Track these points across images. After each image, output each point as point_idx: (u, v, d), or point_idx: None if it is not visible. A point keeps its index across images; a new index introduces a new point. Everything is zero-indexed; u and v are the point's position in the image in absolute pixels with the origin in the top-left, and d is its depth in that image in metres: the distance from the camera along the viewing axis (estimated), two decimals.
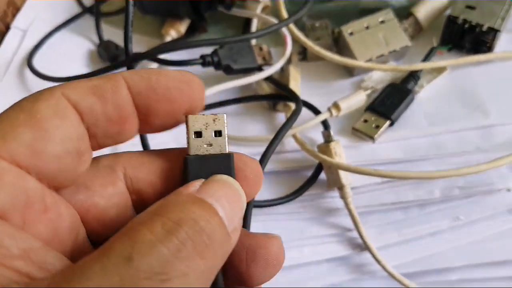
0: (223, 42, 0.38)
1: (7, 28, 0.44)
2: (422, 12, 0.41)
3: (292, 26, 0.39)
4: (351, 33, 0.40)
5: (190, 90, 0.18)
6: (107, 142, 0.17)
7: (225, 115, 0.18)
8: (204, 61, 0.38)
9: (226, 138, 0.18)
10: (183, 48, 0.35)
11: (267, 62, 0.41)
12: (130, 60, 0.34)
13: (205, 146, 0.18)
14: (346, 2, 0.43)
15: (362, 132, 0.36)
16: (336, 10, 0.43)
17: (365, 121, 0.36)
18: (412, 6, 0.41)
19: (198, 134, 0.18)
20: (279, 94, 0.39)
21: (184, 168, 0.18)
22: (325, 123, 0.36)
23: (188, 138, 0.18)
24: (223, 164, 0.18)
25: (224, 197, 0.16)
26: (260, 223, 0.34)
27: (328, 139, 0.34)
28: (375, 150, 0.36)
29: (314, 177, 0.35)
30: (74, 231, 0.17)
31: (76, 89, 0.16)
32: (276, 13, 0.42)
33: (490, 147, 0.34)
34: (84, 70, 0.43)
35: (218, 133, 0.18)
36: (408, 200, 0.34)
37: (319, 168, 0.35)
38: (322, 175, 0.35)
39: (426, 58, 0.39)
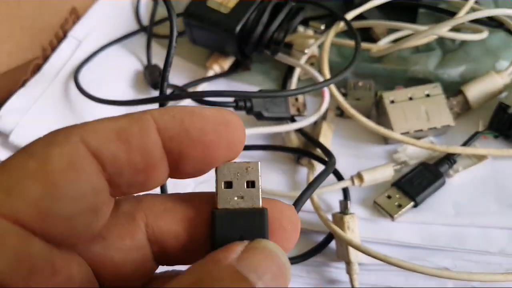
0: (257, 96, 0.37)
1: (65, 35, 0.46)
2: (474, 92, 0.39)
3: (332, 86, 0.38)
4: (392, 101, 0.38)
5: (229, 133, 0.15)
6: (131, 191, 0.15)
7: (259, 163, 0.16)
8: (236, 105, 0.38)
9: (260, 190, 0.16)
10: (217, 96, 0.35)
11: (301, 114, 0.40)
12: (160, 98, 0.34)
13: (235, 198, 0.16)
14: (396, 66, 0.42)
15: (382, 208, 0.34)
16: (384, 72, 0.42)
17: (389, 197, 0.35)
18: (464, 83, 0.39)
19: (229, 185, 0.16)
20: (307, 151, 0.38)
21: (211, 222, 0.16)
22: (345, 192, 0.35)
23: (217, 188, 0.16)
24: (255, 221, 0.16)
25: (268, 273, 0.14)
26: None
27: (344, 210, 0.33)
28: (393, 229, 0.34)
29: (324, 244, 0.34)
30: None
31: (98, 133, 0.14)
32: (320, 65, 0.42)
33: None
34: (127, 90, 0.44)
35: (251, 184, 0.16)
36: None
37: (330, 236, 0.34)
38: (333, 243, 0.34)
39: (468, 142, 0.37)
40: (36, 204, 0.13)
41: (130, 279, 0.16)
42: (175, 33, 0.32)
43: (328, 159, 0.34)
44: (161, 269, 0.18)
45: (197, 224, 0.16)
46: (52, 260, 0.14)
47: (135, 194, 0.16)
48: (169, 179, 0.16)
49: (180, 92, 0.42)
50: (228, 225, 0.16)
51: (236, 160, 0.16)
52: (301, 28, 0.46)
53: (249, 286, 0.13)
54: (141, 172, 0.15)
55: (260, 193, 0.16)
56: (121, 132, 0.14)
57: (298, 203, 0.29)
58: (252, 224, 0.16)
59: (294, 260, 0.33)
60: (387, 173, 0.35)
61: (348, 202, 0.33)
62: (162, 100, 0.34)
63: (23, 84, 0.41)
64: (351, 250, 0.32)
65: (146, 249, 0.16)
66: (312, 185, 0.29)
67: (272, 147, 0.39)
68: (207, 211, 0.16)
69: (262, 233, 0.16)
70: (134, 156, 0.14)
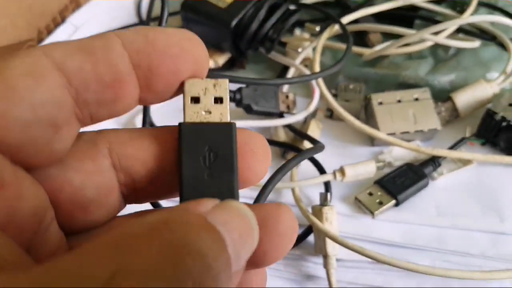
0: (250, 82, 0.38)
1: (63, 21, 0.47)
2: (462, 99, 0.39)
3: (321, 83, 0.39)
4: (380, 103, 0.38)
5: (193, 46, 0.15)
6: (101, 113, 0.15)
7: (227, 80, 0.16)
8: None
9: (228, 106, 0.16)
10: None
11: (290, 111, 0.40)
12: None
13: (203, 113, 0.16)
14: (387, 71, 0.42)
15: (363, 205, 0.34)
16: (376, 77, 0.42)
17: (370, 194, 0.34)
18: (453, 91, 0.40)
19: (196, 100, 0.16)
20: (294, 145, 0.38)
21: (178, 136, 0.16)
22: (327, 185, 0.35)
23: (184, 103, 0.16)
24: (223, 133, 0.16)
25: (237, 231, 0.13)
26: None
27: (323, 202, 0.33)
28: (373, 226, 0.33)
29: (303, 237, 0.33)
30: (39, 216, 0.14)
31: (61, 48, 0.14)
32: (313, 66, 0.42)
33: (496, 255, 0.31)
34: None
35: (219, 100, 0.16)
36: None
37: (309, 229, 0.33)
38: (311, 238, 0.34)
39: (454, 147, 0.37)
40: None
41: (92, 209, 0.15)
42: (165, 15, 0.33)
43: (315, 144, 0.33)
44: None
45: (165, 152, 0.16)
46: (1, 171, 0.13)
47: (97, 130, 0.16)
48: None
49: None
50: (195, 138, 0.15)
51: None
52: (297, 31, 0.46)
53: (217, 236, 0.12)
54: (109, 88, 0.14)
55: (228, 109, 0.16)
56: (85, 46, 0.14)
57: (280, 171, 0.28)
58: (220, 137, 0.16)
59: None
60: (370, 169, 0.35)
61: (328, 194, 0.33)
62: None
63: None
64: (329, 242, 0.31)
65: (111, 175, 0.15)
66: (296, 158, 0.28)
67: None
68: (174, 140, 0.16)
69: (230, 147, 0.16)
70: (100, 68, 0.14)
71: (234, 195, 0.16)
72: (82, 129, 0.15)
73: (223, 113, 0.16)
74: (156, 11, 0.51)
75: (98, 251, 0.10)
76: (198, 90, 0.16)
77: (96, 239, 0.11)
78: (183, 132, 0.16)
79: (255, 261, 0.15)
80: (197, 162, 0.16)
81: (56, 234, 0.15)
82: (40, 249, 0.14)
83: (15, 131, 0.13)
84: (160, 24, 0.32)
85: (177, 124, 0.16)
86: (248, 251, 0.14)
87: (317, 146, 0.32)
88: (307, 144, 0.37)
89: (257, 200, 0.28)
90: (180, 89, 0.16)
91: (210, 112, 0.16)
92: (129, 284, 0.10)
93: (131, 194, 0.16)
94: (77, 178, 0.15)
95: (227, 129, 0.16)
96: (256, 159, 0.16)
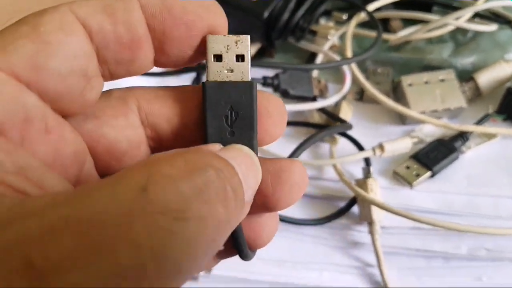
0: (287, 67, 0.41)
1: None
2: (484, 79, 0.42)
3: (354, 66, 0.42)
4: (410, 84, 0.41)
5: (210, 14, 0.16)
6: (119, 71, 0.16)
7: (248, 36, 0.17)
8: (264, 81, 0.41)
9: (249, 64, 0.16)
10: (254, 67, 0.38)
11: (323, 95, 0.43)
12: (201, 67, 0.37)
13: (225, 71, 0.16)
14: (412, 55, 0.45)
15: (402, 177, 0.37)
16: (401, 60, 0.45)
17: (407, 167, 0.37)
18: (475, 71, 0.43)
19: (218, 58, 0.16)
20: (328, 125, 0.41)
21: (202, 94, 0.16)
22: (367, 161, 0.38)
23: (207, 61, 0.16)
24: (244, 92, 0.16)
25: (243, 164, 0.15)
26: (286, 239, 0.36)
27: (367, 175, 0.36)
28: (412, 196, 0.37)
29: (347, 208, 0.36)
30: (80, 160, 0.16)
31: (85, 6, 0.15)
32: (342, 53, 0.45)
33: None
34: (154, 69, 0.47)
35: (241, 58, 0.16)
36: (434, 250, 0.34)
37: (353, 201, 0.36)
38: (355, 209, 0.37)
39: (479, 122, 0.40)
40: (30, 58, 0.14)
41: (125, 158, 0.17)
42: None
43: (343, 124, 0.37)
44: None
45: (189, 110, 0.17)
46: (45, 117, 0.14)
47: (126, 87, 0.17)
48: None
49: None
50: (218, 96, 0.16)
51: None
52: (322, 20, 0.49)
53: (228, 164, 0.14)
54: (127, 48, 0.15)
55: (249, 67, 0.16)
56: (107, 7, 0.15)
57: (306, 142, 0.32)
58: (241, 95, 0.16)
59: (319, 221, 0.36)
60: (406, 144, 0.38)
61: (370, 167, 0.36)
62: (197, 70, 0.37)
63: None
64: (374, 210, 0.34)
65: (140, 130, 0.17)
66: (322, 132, 0.34)
67: (296, 123, 0.42)
68: (198, 99, 0.17)
69: (251, 105, 0.16)
70: (119, 29, 0.15)
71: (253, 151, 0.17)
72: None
73: (244, 71, 0.16)
74: None
75: (132, 168, 0.12)
76: (221, 47, 0.16)
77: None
78: (207, 92, 0.16)
79: (270, 206, 0.17)
80: (220, 120, 0.17)
81: (95, 180, 0.16)
82: None
83: (54, 81, 0.14)
84: None
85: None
86: (254, 184, 0.15)
87: (345, 124, 0.35)
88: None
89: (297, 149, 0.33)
90: (194, 55, 0.16)
91: (232, 71, 0.16)
92: (161, 187, 0.11)
93: (157, 147, 0.18)
94: (112, 132, 0.16)
95: (248, 88, 0.16)
96: (271, 122, 0.17)
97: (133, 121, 0.17)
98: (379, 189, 0.35)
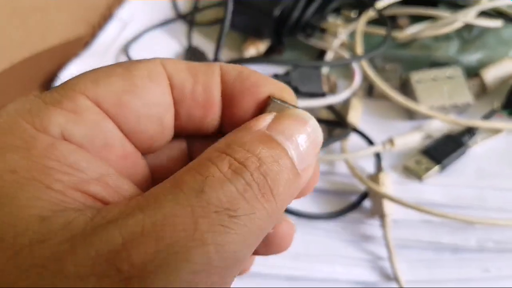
0: (299, 64, 0.41)
1: (111, 15, 0.50)
2: (490, 75, 0.43)
3: (365, 64, 0.42)
4: (418, 81, 0.42)
5: (280, 93, 0.18)
6: (189, 127, 0.18)
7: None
8: (276, 78, 0.41)
9: None
10: (266, 63, 0.40)
11: (332, 92, 0.44)
12: None
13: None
14: (420, 52, 0.46)
15: (412, 171, 0.38)
16: (409, 57, 0.46)
17: (417, 161, 0.38)
18: (481, 67, 0.44)
19: None
20: (336, 120, 0.42)
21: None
22: (377, 155, 0.39)
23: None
24: None
25: (296, 134, 0.15)
26: (299, 233, 0.36)
27: (378, 169, 0.37)
28: (421, 190, 0.38)
29: (359, 203, 0.37)
30: (148, 178, 0.18)
31: (174, 64, 0.17)
32: (351, 50, 0.46)
33: None
34: None
35: None
36: (444, 243, 0.35)
37: (364, 195, 0.37)
38: (366, 203, 0.38)
39: (486, 118, 0.41)
40: (117, 95, 0.15)
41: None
42: (230, 6, 0.36)
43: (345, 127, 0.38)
44: None
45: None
46: (124, 145, 0.16)
47: None
48: None
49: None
50: None
51: None
52: (331, 18, 0.50)
53: (275, 147, 0.15)
54: (200, 107, 0.17)
55: None
56: (192, 68, 0.17)
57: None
58: None
59: (331, 216, 0.37)
60: (415, 138, 0.39)
61: (382, 162, 0.37)
62: None
63: (76, 56, 0.44)
64: (386, 204, 0.35)
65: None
66: (330, 140, 0.35)
67: None
68: None
69: None
70: (197, 89, 0.17)
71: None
72: None
73: None
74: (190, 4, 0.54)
75: (188, 171, 0.14)
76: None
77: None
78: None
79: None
80: None
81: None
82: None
83: (132, 120, 0.16)
84: (221, 30, 0.36)
85: None
86: (313, 149, 0.16)
87: (345, 130, 0.36)
88: (350, 119, 0.41)
89: None
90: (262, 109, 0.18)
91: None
92: (213, 190, 0.13)
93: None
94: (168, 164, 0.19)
95: None
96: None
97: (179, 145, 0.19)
98: (391, 183, 0.36)
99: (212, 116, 0.18)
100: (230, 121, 0.18)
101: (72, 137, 0.15)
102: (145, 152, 0.17)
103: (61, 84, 0.16)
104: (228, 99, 0.17)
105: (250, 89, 0.17)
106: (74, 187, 0.14)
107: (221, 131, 0.18)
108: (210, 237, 0.13)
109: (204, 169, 0.14)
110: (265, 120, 0.16)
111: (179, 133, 0.18)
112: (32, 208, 0.13)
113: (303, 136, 0.16)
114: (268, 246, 0.19)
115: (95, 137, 0.15)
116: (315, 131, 0.16)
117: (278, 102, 0.17)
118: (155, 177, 0.18)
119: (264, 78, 0.18)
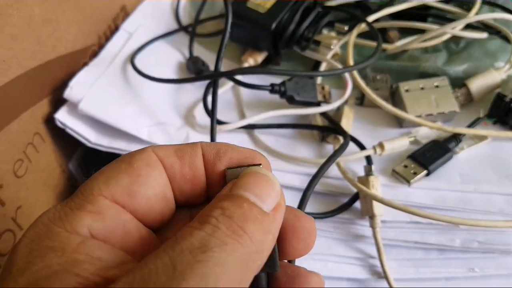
0: (294, 74, 0.44)
1: (116, 28, 0.52)
2: (475, 85, 0.45)
3: (355, 73, 0.45)
4: (407, 90, 0.45)
5: (251, 160, 0.21)
6: (181, 199, 0.21)
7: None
8: (272, 88, 0.44)
9: None
10: (261, 73, 0.42)
11: (326, 100, 0.46)
12: (216, 75, 0.40)
13: None
14: (408, 64, 0.48)
15: (400, 175, 0.40)
16: (398, 68, 0.48)
17: (405, 166, 0.40)
18: (467, 78, 0.46)
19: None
20: (331, 126, 0.44)
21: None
22: (368, 159, 0.41)
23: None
24: None
25: (253, 185, 0.19)
26: None
27: (368, 172, 0.39)
28: (409, 193, 0.40)
29: (349, 204, 0.39)
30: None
31: (163, 150, 0.21)
32: (344, 61, 0.48)
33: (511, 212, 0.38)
34: (174, 77, 0.50)
35: None
36: (430, 243, 0.37)
37: (355, 197, 0.39)
38: (357, 205, 0.40)
39: (471, 125, 0.43)
40: (126, 188, 0.19)
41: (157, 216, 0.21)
42: (229, 19, 0.39)
43: (344, 137, 0.40)
44: None
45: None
46: (140, 229, 0.20)
47: None
48: None
49: (224, 72, 0.47)
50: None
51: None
52: (324, 30, 0.52)
53: (235, 199, 0.18)
54: (188, 182, 0.21)
55: None
56: (178, 151, 0.21)
57: (322, 168, 0.35)
58: None
59: (323, 216, 0.39)
60: (404, 143, 0.41)
61: (372, 166, 0.39)
62: (212, 77, 0.40)
63: (84, 65, 0.47)
64: (375, 205, 0.37)
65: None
66: (335, 154, 0.36)
67: (301, 125, 0.45)
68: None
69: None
70: (185, 168, 0.21)
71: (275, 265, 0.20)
72: None
73: None
74: (192, 14, 0.57)
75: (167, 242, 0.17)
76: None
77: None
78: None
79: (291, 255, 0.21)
80: None
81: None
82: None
83: (143, 203, 0.20)
84: (222, 40, 0.39)
85: None
86: (272, 192, 0.19)
87: (346, 141, 0.39)
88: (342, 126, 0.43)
89: (311, 182, 0.35)
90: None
91: None
92: (184, 237, 0.16)
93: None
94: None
95: None
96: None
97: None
98: (380, 185, 0.38)
99: (199, 189, 0.21)
100: (217, 189, 0.21)
101: (97, 232, 0.18)
102: (156, 228, 0.21)
103: (79, 190, 0.19)
104: (210, 172, 0.21)
105: (226, 163, 0.21)
106: (96, 273, 0.16)
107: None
108: (189, 273, 0.15)
109: (179, 233, 0.17)
110: (228, 187, 0.19)
111: (180, 205, 0.22)
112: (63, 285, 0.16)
113: (259, 183, 0.19)
114: (295, 243, 0.21)
115: (117, 229, 0.19)
116: (267, 176, 0.20)
117: (233, 169, 0.21)
118: None
119: (237, 152, 0.21)
